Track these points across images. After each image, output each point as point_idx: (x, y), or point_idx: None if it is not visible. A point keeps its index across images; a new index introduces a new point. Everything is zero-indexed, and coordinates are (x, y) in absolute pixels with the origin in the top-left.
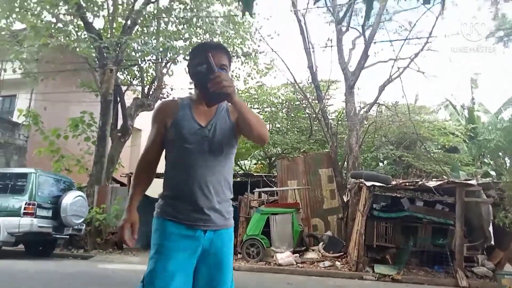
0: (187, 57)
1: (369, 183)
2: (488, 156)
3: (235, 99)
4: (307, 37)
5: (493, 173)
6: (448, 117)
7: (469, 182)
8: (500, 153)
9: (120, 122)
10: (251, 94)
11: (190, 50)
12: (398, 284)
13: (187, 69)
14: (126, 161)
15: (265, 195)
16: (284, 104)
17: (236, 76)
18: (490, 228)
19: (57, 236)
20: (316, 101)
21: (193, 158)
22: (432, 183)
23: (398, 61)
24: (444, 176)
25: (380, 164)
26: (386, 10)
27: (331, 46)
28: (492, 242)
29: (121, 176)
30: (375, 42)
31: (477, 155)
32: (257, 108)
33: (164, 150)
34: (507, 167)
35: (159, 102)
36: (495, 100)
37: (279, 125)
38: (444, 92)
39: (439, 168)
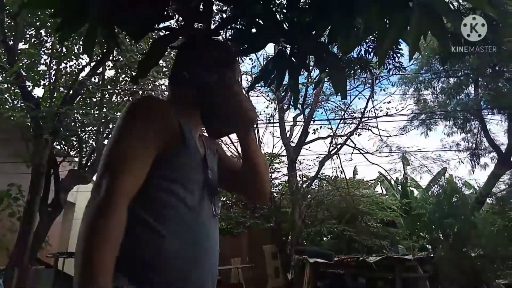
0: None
1: (312, 260)
2: (423, 230)
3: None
4: None
5: (429, 246)
6: (384, 191)
7: (406, 257)
8: (433, 227)
9: (52, 195)
10: None
11: (203, 41)
12: None
13: (181, 70)
14: (54, 239)
15: None
16: None
17: None
18: None
19: None
20: None
21: (205, 219)
22: (371, 259)
23: (336, 138)
24: (384, 251)
25: (324, 238)
26: (323, 92)
27: (273, 123)
28: None
29: (47, 256)
30: (314, 120)
31: (413, 229)
32: None
33: (142, 195)
34: (441, 241)
35: (142, 98)
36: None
37: (223, 199)
38: (380, 168)
39: (379, 242)
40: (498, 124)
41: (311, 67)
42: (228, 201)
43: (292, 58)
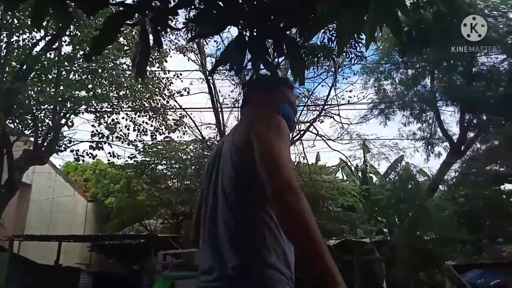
0: (89, 108)
1: None
2: (380, 214)
3: None
4: (216, 96)
5: (386, 230)
6: (345, 177)
7: (363, 240)
8: (390, 212)
9: (5, 176)
10: (159, 150)
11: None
12: None
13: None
14: (9, 222)
15: (170, 258)
16: (193, 161)
17: (143, 130)
18: (384, 285)
19: None
20: None
21: None
22: (331, 242)
23: (299, 125)
24: (343, 234)
25: None
26: (288, 77)
27: (238, 107)
28: None
29: (1, 239)
30: None
31: (371, 214)
32: (164, 164)
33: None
34: (397, 225)
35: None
36: (383, 163)
37: (187, 182)
38: (341, 155)
39: (339, 226)
40: (451, 115)
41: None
42: (192, 185)
43: (252, 42)
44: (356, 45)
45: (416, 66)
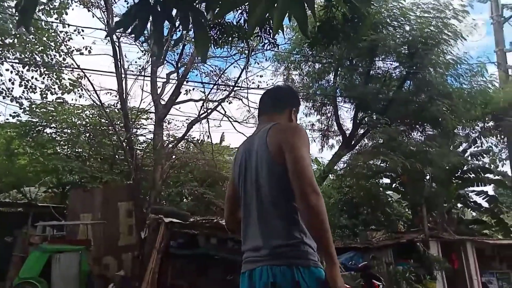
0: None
1: (167, 220)
2: None
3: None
4: (120, 61)
5: None
6: None
7: None
8: None
9: None
10: (48, 111)
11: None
12: None
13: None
14: None
15: (51, 229)
16: (88, 128)
17: (31, 87)
18: None
19: None
20: (124, 129)
21: None
22: (224, 221)
23: (207, 103)
24: None
25: (185, 200)
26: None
27: (144, 76)
28: None
29: None
30: (187, 81)
31: None
32: (54, 128)
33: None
34: None
35: (301, 127)
36: None
37: (79, 150)
38: (245, 137)
39: None
40: (347, 111)
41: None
42: (84, 154)
43: (157, 8)
44: (270, 31)
45: (322, 62)
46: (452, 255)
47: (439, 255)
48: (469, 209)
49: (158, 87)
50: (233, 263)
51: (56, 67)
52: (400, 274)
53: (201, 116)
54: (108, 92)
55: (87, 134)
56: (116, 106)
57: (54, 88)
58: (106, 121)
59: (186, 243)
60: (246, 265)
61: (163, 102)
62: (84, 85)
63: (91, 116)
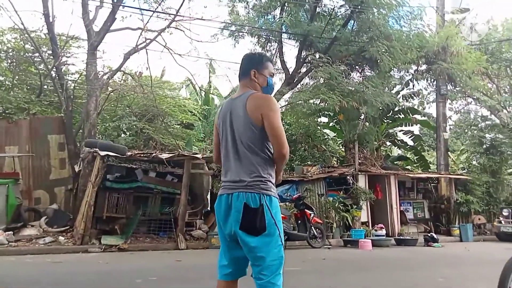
0: None
1: (103, 153)
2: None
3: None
4: None
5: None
6: (188, 95)
7: (195, 155)
8: None
9: None
10: None
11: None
12: (123, 253)
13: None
14: None
15: None
16: (10, 54)
17: None
18: (208, 196)
19: None
20: (52, 57)
21: None
22: (164, 155)
23: (146, 32)
24: (179, 150)
25: (123, 135)
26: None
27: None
28: (209, 208)
29: None
30: (123, 6)
31: (208, 133)
32: None
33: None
34: None
35: (273, 99)
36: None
37: (2, 79)
38: (187, 72)
39: (175, 142)
40: (291, 49)
41: None
42: (8, 82)
43: None
44: None
45: None
46: (377, 186)
47: (366, 187)
48: (396, 147)
49: (90, 11)
50: (170, 196)
51: None
52: (330, 204)
53: (139, 47)
54: (32, 14)
55: (9, 61)
56: (42, 30)
57: None
58: (32, 47)
59: (123, 177)
60: (225, 190)
61: (96, 29)
62: (2, 3)
63: (13, 40)
